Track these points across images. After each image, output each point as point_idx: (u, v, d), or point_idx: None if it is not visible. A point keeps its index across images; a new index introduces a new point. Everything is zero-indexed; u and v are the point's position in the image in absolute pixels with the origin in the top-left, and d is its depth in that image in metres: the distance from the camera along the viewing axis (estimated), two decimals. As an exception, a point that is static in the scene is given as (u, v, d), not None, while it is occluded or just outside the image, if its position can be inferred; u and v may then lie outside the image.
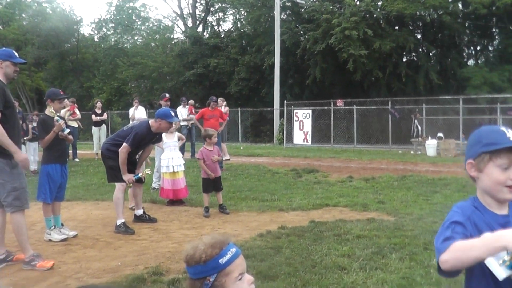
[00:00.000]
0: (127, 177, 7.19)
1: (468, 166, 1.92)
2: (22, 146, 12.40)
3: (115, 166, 7.16)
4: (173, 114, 7.42)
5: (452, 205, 1.93)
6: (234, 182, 11.71)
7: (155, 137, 7.63)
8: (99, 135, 18.45)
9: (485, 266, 1.69)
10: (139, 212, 7.79)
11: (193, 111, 17.08)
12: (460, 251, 1.70)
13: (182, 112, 16.09)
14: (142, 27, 50.56)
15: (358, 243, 6.03)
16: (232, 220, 7.72)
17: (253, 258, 5.30)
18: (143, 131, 7.27)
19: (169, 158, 9.21)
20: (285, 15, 36.38)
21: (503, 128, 1.86)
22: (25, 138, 13.68)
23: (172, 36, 50.52)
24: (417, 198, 9.41)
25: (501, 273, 1.64)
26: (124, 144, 7.07)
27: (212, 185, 8.23)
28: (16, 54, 5.48)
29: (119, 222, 7.12)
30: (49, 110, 6.55)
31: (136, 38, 49.87)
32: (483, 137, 1.88)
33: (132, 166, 7.46)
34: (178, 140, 9.55)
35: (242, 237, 6.46)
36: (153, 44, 47.47)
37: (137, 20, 50.13)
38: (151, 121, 7.40)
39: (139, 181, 7.58)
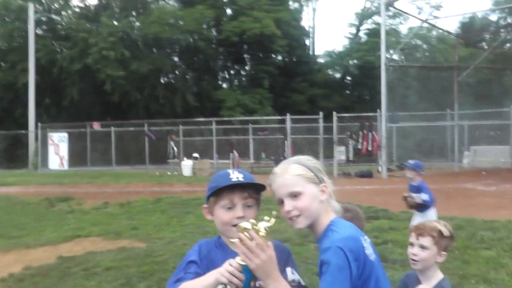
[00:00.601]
0: None
1: (204, 212, 1.99)
2: None
3: None
4: None
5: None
6: (-23, 218, 10.68)
7: None
8: None
9: None
10: None
11: None
12: None
13: None
14: None
15: (107, 275, 5.99)
16: (-29, 264, 7.06)
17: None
18: None
19: None
20: (41, 31, 34.37)
21: (230, 170, 1.94)
22: None
23: None
24: (170, 220, 9.77)
25: None
26: None
27: None
28: None
29: None
30: None
31: None
32: (210, 182, 1.95)
33: None
34: None
35: (-22, 285, 5.97)
36: None
37: None
38: None
39: None
